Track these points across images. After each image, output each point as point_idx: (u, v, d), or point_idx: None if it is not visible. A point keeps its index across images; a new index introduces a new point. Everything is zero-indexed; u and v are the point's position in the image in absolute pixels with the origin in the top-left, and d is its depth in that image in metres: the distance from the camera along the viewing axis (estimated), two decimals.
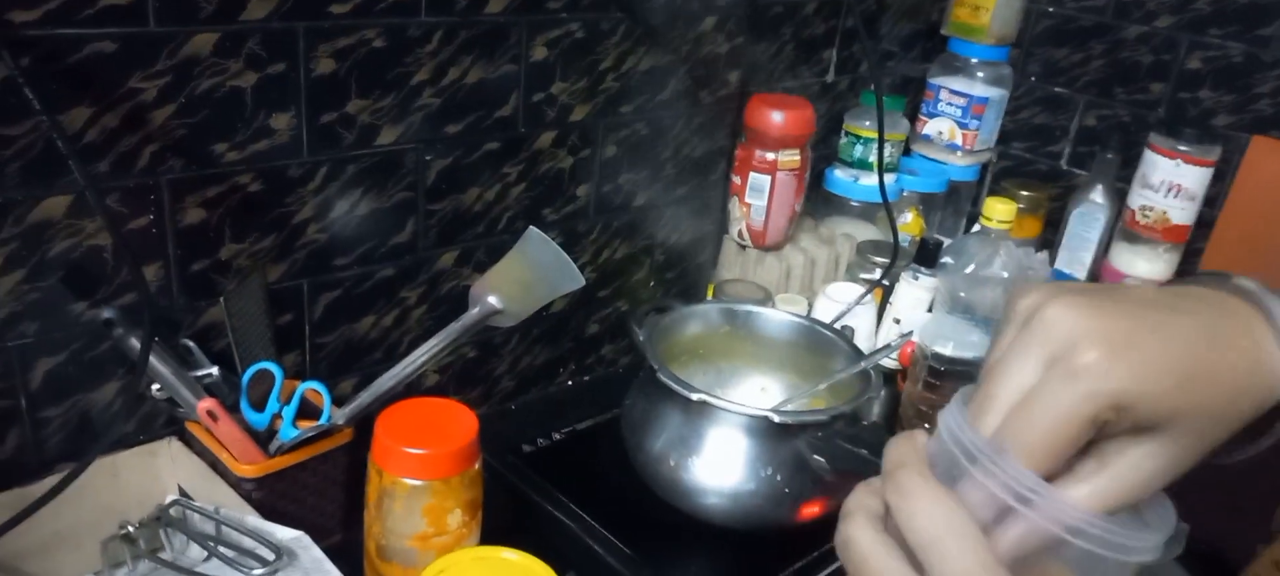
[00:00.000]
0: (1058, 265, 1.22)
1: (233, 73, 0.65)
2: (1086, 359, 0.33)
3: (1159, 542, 0.34)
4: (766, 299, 0.99)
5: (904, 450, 0.37)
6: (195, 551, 0.66)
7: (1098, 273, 1.21)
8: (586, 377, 1.02)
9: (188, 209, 0.67)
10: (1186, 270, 1.16)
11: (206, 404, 0.66)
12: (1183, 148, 1.09)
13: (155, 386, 0.68)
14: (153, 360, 0.66)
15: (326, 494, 0.72)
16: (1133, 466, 0.35)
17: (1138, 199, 1.14)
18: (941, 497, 0.34)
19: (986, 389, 0.36)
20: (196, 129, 0.65)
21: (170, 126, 0.64)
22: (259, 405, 0.70)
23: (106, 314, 0.65)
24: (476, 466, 0.62)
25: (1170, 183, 1.11)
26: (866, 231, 1.17)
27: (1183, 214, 1.12)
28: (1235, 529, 0.80)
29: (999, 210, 0.99)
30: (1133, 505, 0.36)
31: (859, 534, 0.37)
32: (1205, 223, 1.14)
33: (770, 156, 1.03)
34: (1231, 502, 0.90)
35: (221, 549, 0.64)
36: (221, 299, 0.68)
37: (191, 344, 0.70)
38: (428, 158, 0.78)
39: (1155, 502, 0.36)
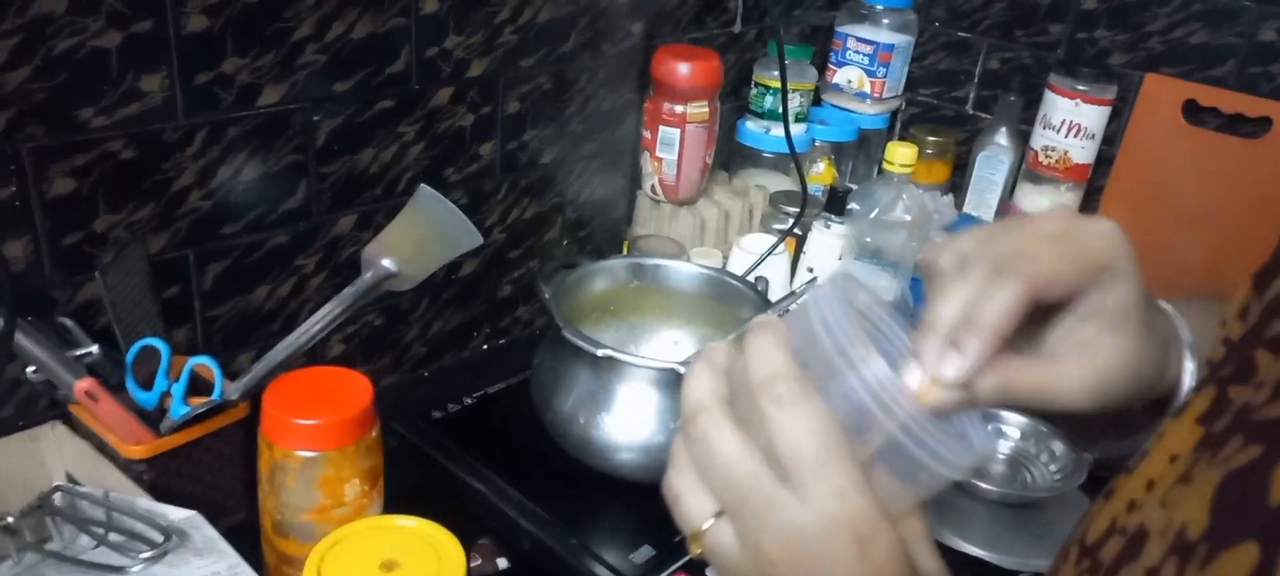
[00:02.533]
0: (965, 208, 1.24)
1: (93, 32, 0.61)
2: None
3: (970, 464, 0.36)
4: (681, 253, 0.99)
5: (771, 350, 0.36)
6: (85, 539, 0.63)
7: (1003, 214, 1.23)
8: (502, 341, 1.01)
9: (54, 179, 0.63)
10: (1088, 207, 1.19)
11: (84, 383, 0.63)
12: (1081, 87, 1.11)
13: (30, 368, 0.65)
14: (24, 340, 0.62)
15: (224, 471, 0.70)
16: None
17: (1040, 139, 1.16)
18: (822, 417, 0.35)
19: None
20: (57, 93, 0.61)
21: (27, 90, 0.60)
22: (146, 383, 0.67)
23: None
24: (374, 434, 0.60)
25: (1070, 122, 1.13)
26: (780, 182, 1.17)
27: (1083, 152, 1.14)
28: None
29: (900, 154, 1.00)
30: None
31: (721, 434, 0.36)
32: (1105, 160, 1.17)
33: (679, 109, 1.02)
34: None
35: (111, 535, 0.61)
36: (97, 273, 0.64)
37: (69, 322, 0.67)
38: (316, 118, 0.75)
39: (981, 428, 0.38)
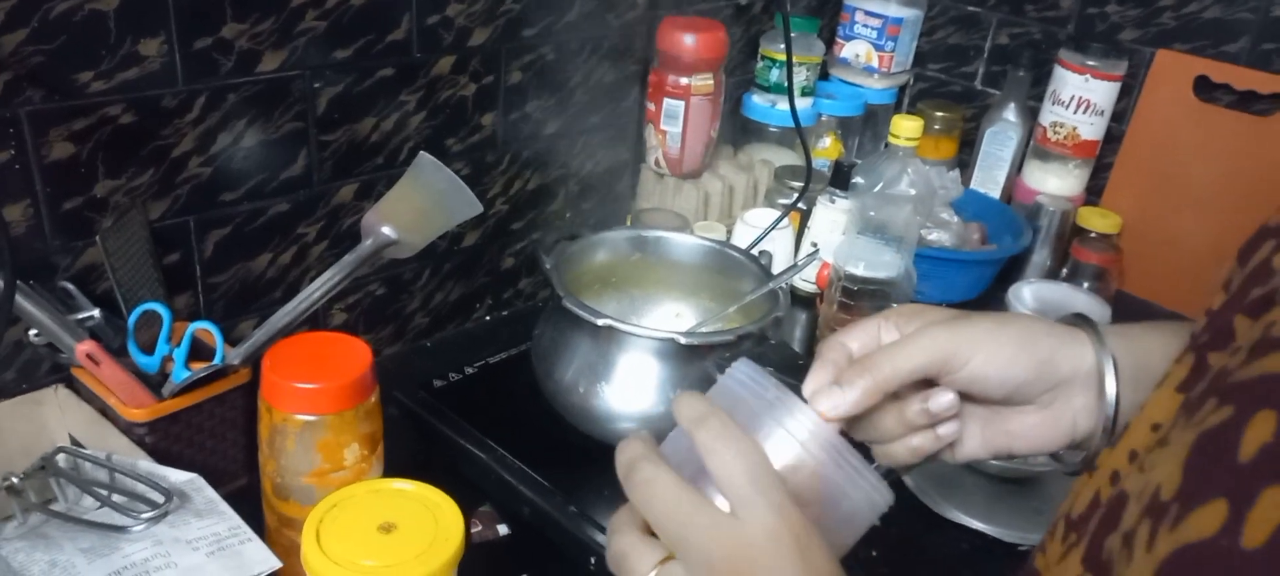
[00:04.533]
0: (972, 184, 1.23)
1: None
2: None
3: (877, 499, 0.40)
4: (684, 227, 0.98)
5: (698, 401, 0.41)
6: (89, 500, 0.63)
7: (1011, 191, 1.22)
8: (504, 313, 1.01)
9: (53, 143, 0.63)
10: (1096, 185, 1.19)
11: (86, 347, 0.63)
12: (1091, 62, 1.10)
13: (32, 331, 0.65)
14: (27, 304, 0.63)
15: (225, 436, 0.70)
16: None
17: (1049, 116, 1.15)
18: (752, 446, 0.39)
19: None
20: (55, 56, 0.61)
21: (24, 54, 0.59)
22: (148, 348, 0.67)
23: None
24: (373, 399, 0.60)
25: (1080, 98, 1.12)
26: (785, 157, 1.17)
27: (1092, 129, 1.13)
28: None
29: (906, 127, 0.99)
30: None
31: (657, 474, 0.40)
32: (1114, 137, 1.16)
33: (683, 81, 1.01)
34: None
35: (114, 496, 0.62)
36: (97, 238, 0.65)
37: (71, 286, 0.67)
38: (316, 85, 0.74)
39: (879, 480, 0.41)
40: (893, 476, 0.60)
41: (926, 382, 0.46)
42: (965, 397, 0.47)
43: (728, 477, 0.38)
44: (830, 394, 0.44)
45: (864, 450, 0.49)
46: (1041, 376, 0.46)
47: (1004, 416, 0.48)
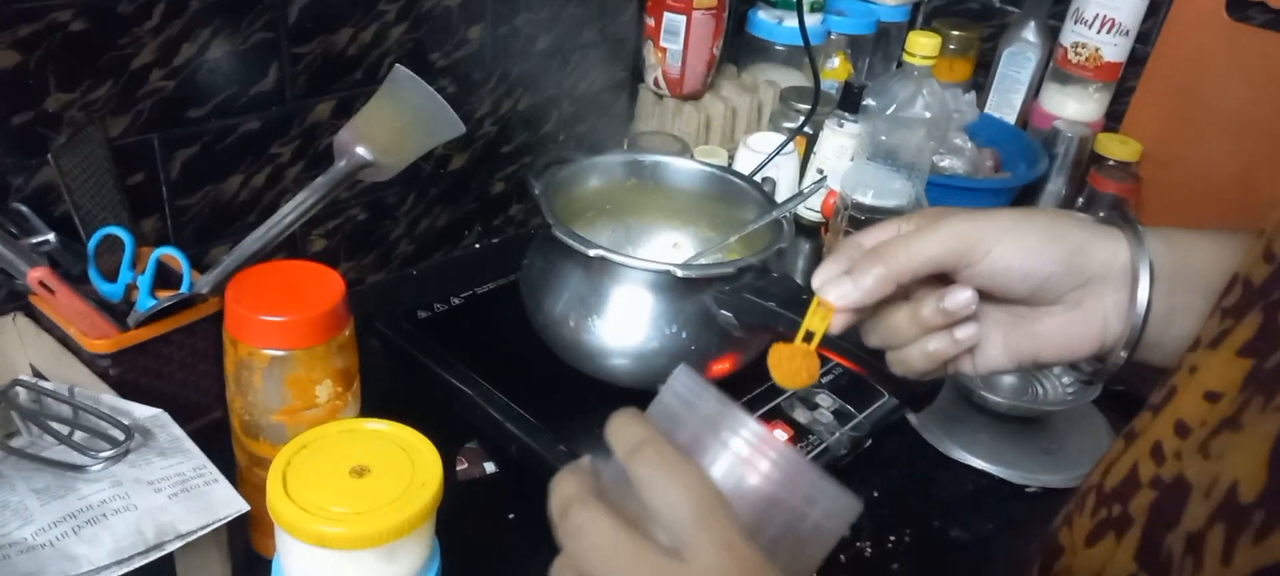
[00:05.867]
0: (987, 108, 1.17)
1: None
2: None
3: (841, 510, 0.34)
4: (684, 151, 0.93)
5: (634, 424, 0.36)
6: (48, 436, 0.60)
7: (1027, 116, 1.17)
8: (494, 240, 0.97)
9: None
10: (1116, 110, 1.13)
11: (39, 272, 0.59)
12: None
13: None
14: None
15: (196, 369, 0.66)
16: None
17: (1070, 36, 1.09)
18: (695, 474, 0.34)
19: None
20: None
21: None
22: (110, 275, 0.63)
23: None
24: (347, 333, 0.57)
25: (1104, 17, 1.06)
26: (792, 78, 1.11)
27: (1115, 50, 1.07)
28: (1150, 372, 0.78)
29: (922, 45, 0.93)
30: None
31: (593, 516, 0.34)
32: (1138, 60, 1.10)
33: None
34: None
35: (76, 433, 0.58)
36: (50, 155, 0.60)
37: (24, 208, 0.63)
38: None
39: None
40: (912, 391, 0.53)
41: (946, 282, 0.43)
42: (988, 299, 0.43)
43: (668, 514, 0.33)
44: (840, 283, 0.42)
45: (880, 358, 0.47)
46: (1070, 269, 0.42)
47: (1028, 319, 0.44)
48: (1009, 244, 0.41)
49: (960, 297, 0.42)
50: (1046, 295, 0.43)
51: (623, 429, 0.35)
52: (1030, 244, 0.41)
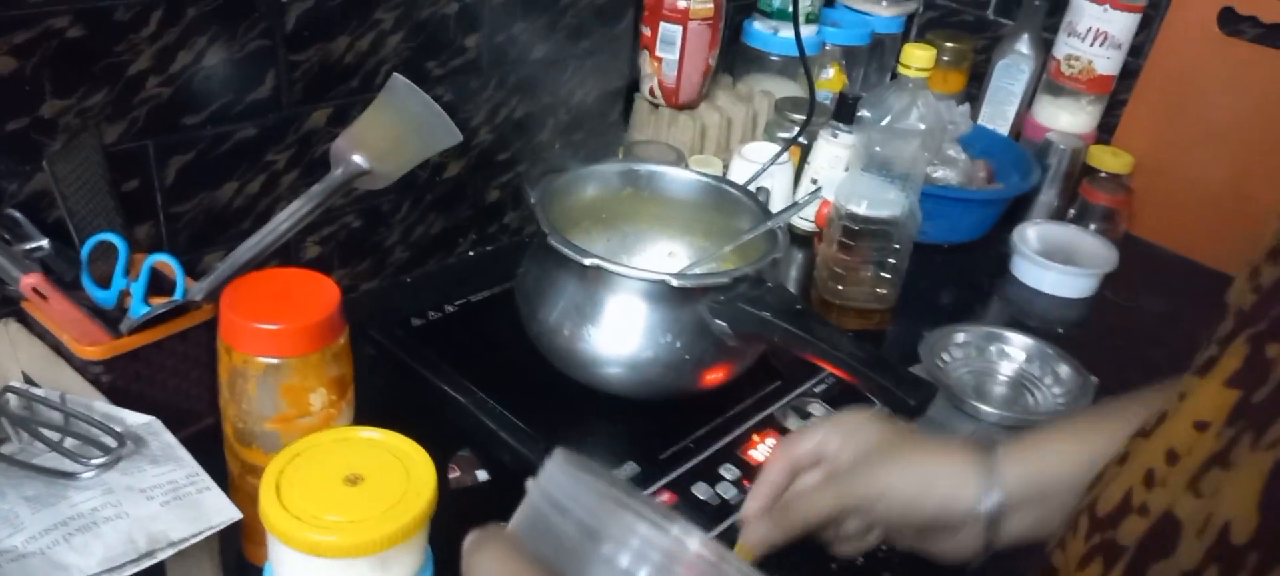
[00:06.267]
0: (981, 120, 1.18)
1: None
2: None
3: None
4: (679, 160, 0.94)
5: (498, 565, 0.32)
6: (41, 443, 0.60)
7: (1020, 127, 1.17)
8: (488, 248, 0.97)
9: None
10: (1109, 123, 1.14)
11: (32, 279, 0.59)
12: None
13: None
14: None
15: (188, 376, 0.66)
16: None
17: (1063, 48, 1.10)
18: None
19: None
20: None
21: None
22: (104, 282, 0.63)
23: None
24: (341, 341, 0.56)
25: (1097, 30, 1.06)
26: (787, 88, 1.11)
27: (1108, 63, 1.08)
28: (1149, 379, 0.79)
29: (917, 57, 0.94)
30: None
31: None
32: (1130, 73, 1.10)
33: (682, 4, 0.95)
34: (1143, 358, 0.90)
35: (67, 440, 0.58)
36: (44, 161, 0.60)
37: (18, 214, 0.63)
38: (284, 0, 0.69)
39: None
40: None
41: None
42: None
43: None
44: (754, 529, 0.54)
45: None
46: (938, 518, 0.52)
47: (924, 534, 0.54)
48: (886, 504, 0.52)
49: (851, 533, 0.55)
50: (929, 531, 0.53)
51: (476, 568, 0.31)
52: (905, 500, 0.52)
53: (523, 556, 0.31)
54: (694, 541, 0.29)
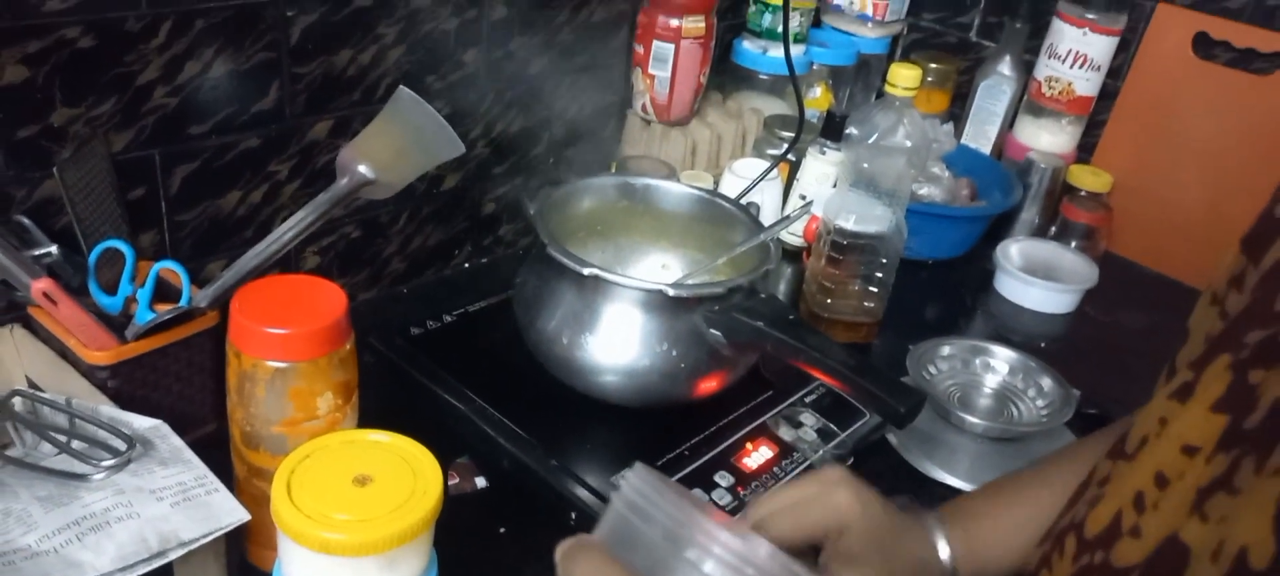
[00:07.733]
0: (964, 139, 1.21)
1: None
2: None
3: None
4: (670, 175, 0.96)
5: (593, 568, 0.33)
6: (47, 446, 0.60)
7: (1002, 147, 1.20)
8: (484, 259, 0.98)
9: (5, 66, 0.59)
10: (1088, 142, 1.17)
11: (42, 284, 0.60)
12: (1090, 15, 1.08)
13: None
14: None
15: (193, 381, 0.67)
16: None
17: (1044, 70, 1.13)
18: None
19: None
20: None
21: None
22: (110, 288, 0.64)
23: None
24: (348, 346, 0.58)
25: (1077, 53, 1.10)
26: (775, 106, 1.14)
27: (1087, 85, 1.11)
28: (1128, 392, 0.81)
29: (903, 76, 0.96)
30: None
31: None
32: (1109, 94, 1.14)
33: (674, 23, 0.97)
34: (1123, 371, 0.92)
35: (74, 443, 0.59)
36: (55, 169, 0.61)
37: (26, 220, 0.64)
38: (290, 13, 0.70)
39: None
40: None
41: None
42: None
43: None
44: None
45: None
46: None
47: None
48: (847, 542, 0.49)
49: None
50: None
51: (572, 569, 0.33)
52: (866, 552, 0.50)
53: (616, 562, 0.32)
54: (764, 548, 0.32)
